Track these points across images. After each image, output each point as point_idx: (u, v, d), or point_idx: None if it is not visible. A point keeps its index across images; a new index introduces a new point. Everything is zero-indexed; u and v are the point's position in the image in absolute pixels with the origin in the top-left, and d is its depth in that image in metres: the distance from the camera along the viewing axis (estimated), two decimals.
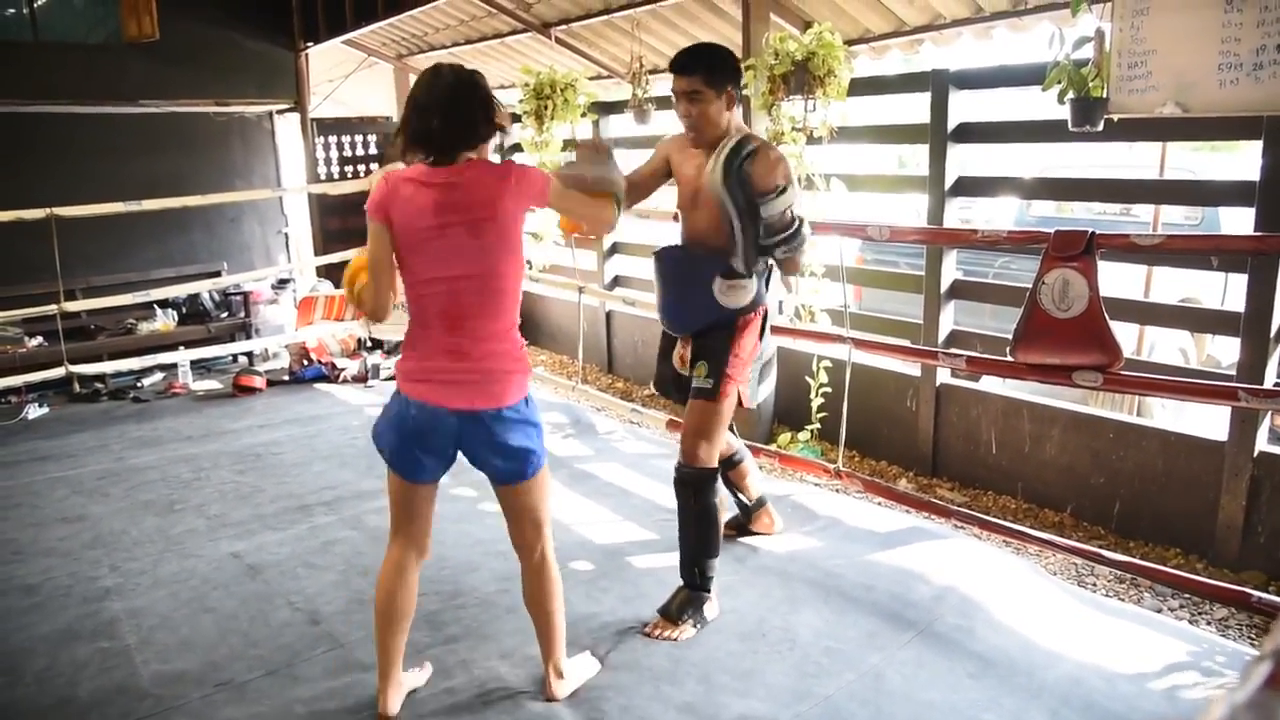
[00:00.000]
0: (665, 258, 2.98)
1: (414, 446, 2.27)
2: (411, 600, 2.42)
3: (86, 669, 2.71)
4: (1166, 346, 5.10)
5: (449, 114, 2.16)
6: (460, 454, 2.33)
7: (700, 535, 2.83)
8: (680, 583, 2.88)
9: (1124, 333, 4.23)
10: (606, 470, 4.27)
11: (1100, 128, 3.29)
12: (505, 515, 2.41)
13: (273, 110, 7.70)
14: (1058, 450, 3.97)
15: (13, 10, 6.54)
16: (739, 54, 4.73)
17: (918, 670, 2.60)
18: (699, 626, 2.79)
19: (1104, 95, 3.27)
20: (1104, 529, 3.80)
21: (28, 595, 3.19)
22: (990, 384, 4.28)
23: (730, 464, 3.28)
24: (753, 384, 2.95)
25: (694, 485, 2.81)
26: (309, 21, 7.48)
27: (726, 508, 3.21)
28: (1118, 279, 4.42)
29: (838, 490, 4.08)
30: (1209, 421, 3.72)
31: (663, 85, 6.38)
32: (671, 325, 3.01)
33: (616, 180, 2.39)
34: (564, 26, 6.30)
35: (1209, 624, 3.09)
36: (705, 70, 2.70)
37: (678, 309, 2.96)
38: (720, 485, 2.90)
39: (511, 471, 2.29)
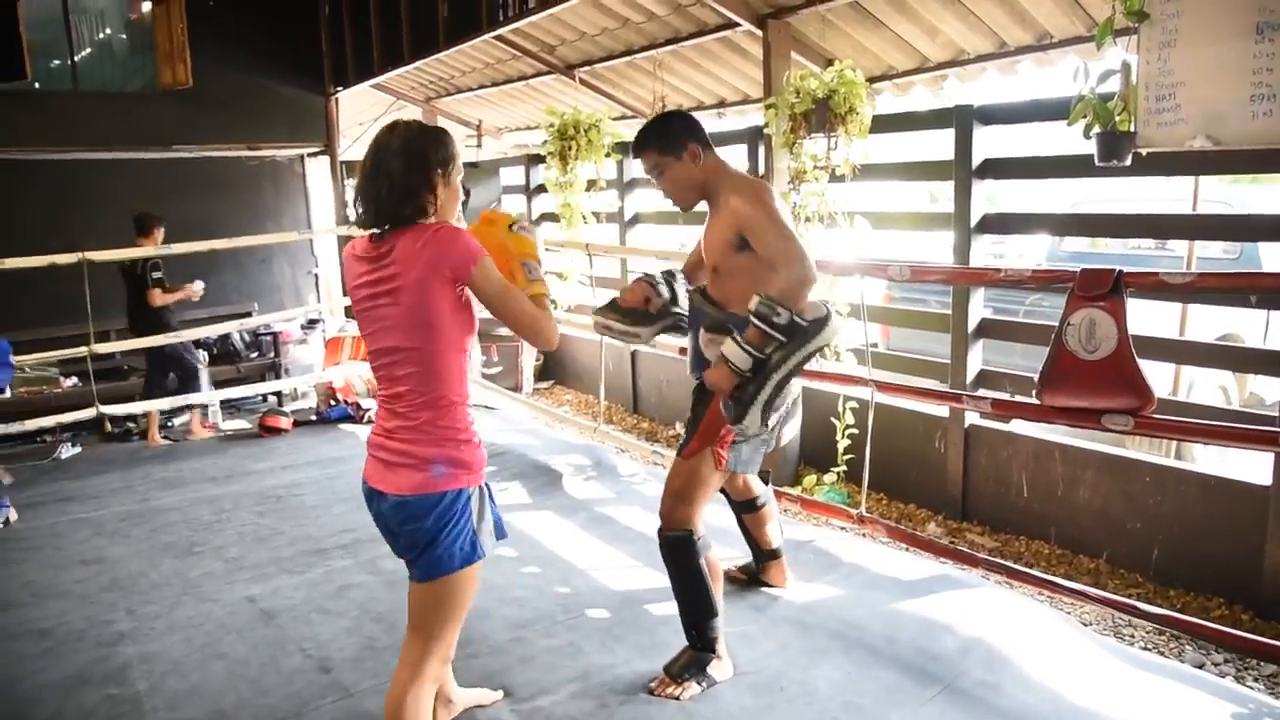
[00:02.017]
0: (691, 308, 2.94)
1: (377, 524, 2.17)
2: None
3: (93, 717, 2.68)
4: (1206, 384, 4.93)
5: (379, 181, 2.00)
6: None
7: (692, 598, 2.71)
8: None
9: (1159, 370, 4.11)
10: (626, 514, 4.20)
11: (1128, 162, 3.21)
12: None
13: (303, 153, 7.84)
14: (1091, 493, 3.83)
15: (57, 62, 6.75)
16: (760, 92, 4.73)
17: None
18: (704, 686, 2.68)
19: (1131, 129, 3.19)
20: (1141, 576, 3.65)
21: (41, 640, 3.18)
22: (1021, 425, 4.16)
23: (750, 507, 3.19)
24: (736, 449, 2.69)
25: (670, 548, 2.71)
26: (338, 66, 7.63)
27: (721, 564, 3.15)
28: (1152, 315, 4.30)
29: (862, 535, 3.98)
30: (1254, 463, 3.57)
31: None
32: (695, 371, 2.91)
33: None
34: (587, 68, 6.35)
35: (1256, 681, 2.94)
36: (655, 145, 2.71)
37: (696, 358, 2.88)
38: (702, 545, 2.70)
39: (420, 559, 2.05)
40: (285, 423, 5.99)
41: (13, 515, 4.43)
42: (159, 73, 6.52)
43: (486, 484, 2.13)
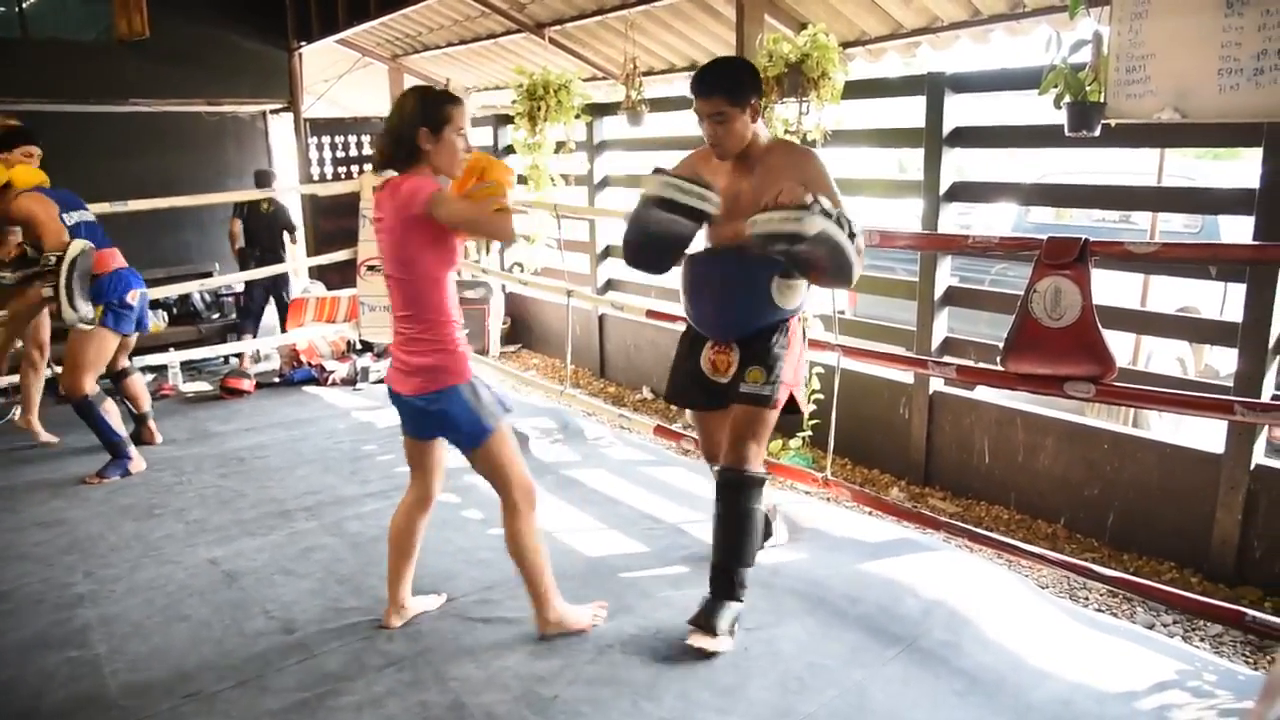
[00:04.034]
0: (711, 261, 2.86)
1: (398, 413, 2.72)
2: (412, 541, 2.81)
3: (54, 679, 2.65)
4: (1164, 356, 5.03)
5: (384, 132, 2.56)
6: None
7: (740, 540, 2.74)
8: (709, 592, 2.77)
9: (1120, 341, 4.18)
10: (593, 477, 4.21)
11: (1097, 133, 3.23)
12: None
13: (266, 110, 7.67)
14: (1052, 460, 3.90)
15: (3, 8, 6.50)
16: (732, 55, 4.68)
17: (903, 687, 2.53)
18: (735, 635, 2.72)
19: (1101, 100, 3.21)
20: (1098, 541, 3.73)
21: None
22: (984, 392, 4.22)
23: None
24: (803, 388, 2.85)
25: (740, 488, 2.73)
26: (302, 20, 7.43)
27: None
28: (1114, 287, 4.36)
29: (827, 499, 4.02)
30: (1206, 432, 3.66)
31: (656, 88, 6.34)
32: (717, 330, 2.88)
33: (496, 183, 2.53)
34: (558, 27, 6.25)
35: (1202, 641, 3.03)
36: (727, 90, 2.66)
37: (725, 313, 2.83)
38: (767, 494, 2.82)
39: (456, 441, 2.64)
40: (247, 385, 5.90)
41: None
42: (115, 22, 6.30)
43: (475, 379, 2.60)
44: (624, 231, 2.85)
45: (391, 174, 2.55)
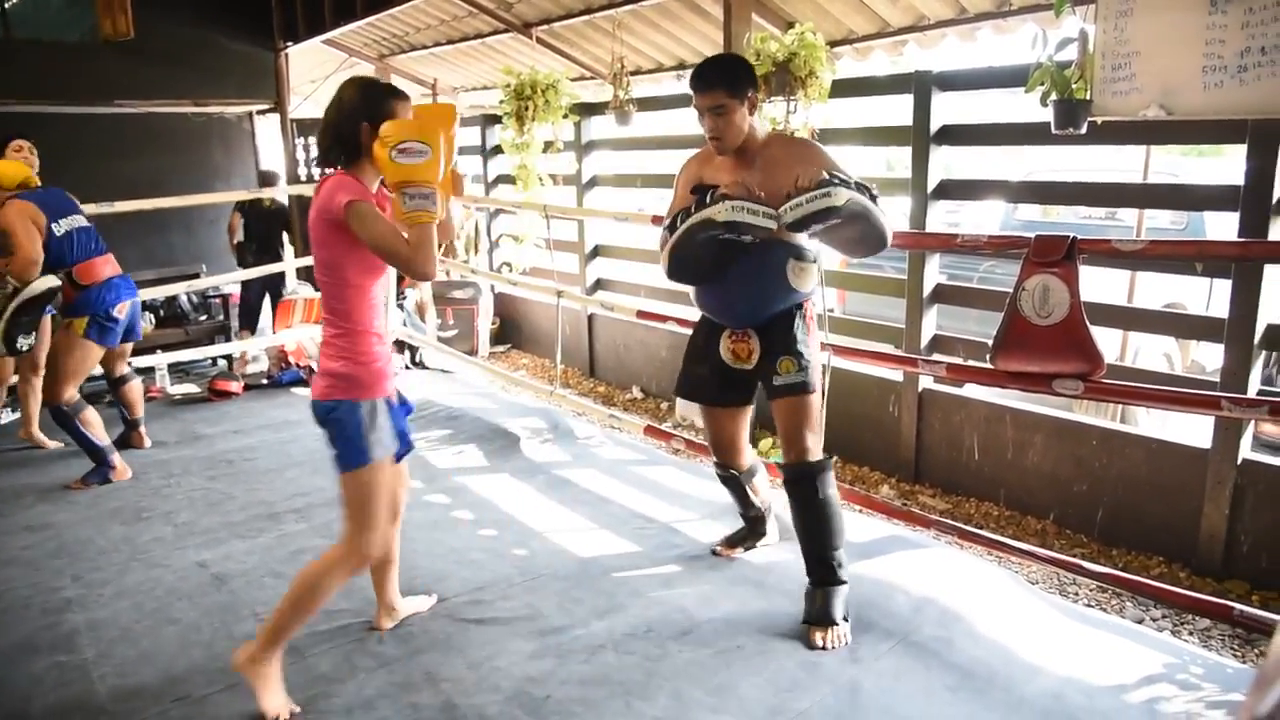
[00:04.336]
0: (725, 251, 2.76)
1: None
2: (389, 549, 2.73)
3: (41, 684, 2.63)
4: (1151, 352, 5.06)
5: (323, 126, 2.39)
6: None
7: (829, 527, 2.78)
8: (810, 585, 2.82)
9: (1107, 338, 4.20)
10: (584, 477, 4.20)
11: (1083, 130, 3.25)
12: None
13: (252, 111, 7.62)
14: (1040, 457, 3.92)
15: None
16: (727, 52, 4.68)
17: (895, 683, 2.53)
18: (850, 618, 2.77)
19: (1087, 97, 3.23)
20: (1086, 537, 3.75)
21: None
22: (974, 390, 4.24)
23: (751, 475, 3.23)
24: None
25: (811, 479, 2.76)
26: (288, 21, 7.39)
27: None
28: (1102, 284, 4.38)
29: None
30: (1193, 428, 3.68)
31: (644, 87, 6.34)
32: (736, 318, 2.88)
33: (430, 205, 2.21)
34: (545, 26, 6.24)
35: (1191, 635, 3.05)
36: (727, 83, 2.71)
37: (744, 300, 2.82)
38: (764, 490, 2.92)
39: (335, 458, 2.41)
40: (235, 386, 5.87)
41: None
42: (99, 22, 6.25)
43: (389, 402, 2.45)
44: (675, 248, 2.76)
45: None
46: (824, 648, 2.68)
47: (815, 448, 2.80)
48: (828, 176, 2.54)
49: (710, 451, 3.22)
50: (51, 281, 4.05)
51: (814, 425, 2.82)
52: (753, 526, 3.35)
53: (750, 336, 2.87)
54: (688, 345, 3.11)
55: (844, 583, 2.80)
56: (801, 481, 2.78)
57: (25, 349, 4.12)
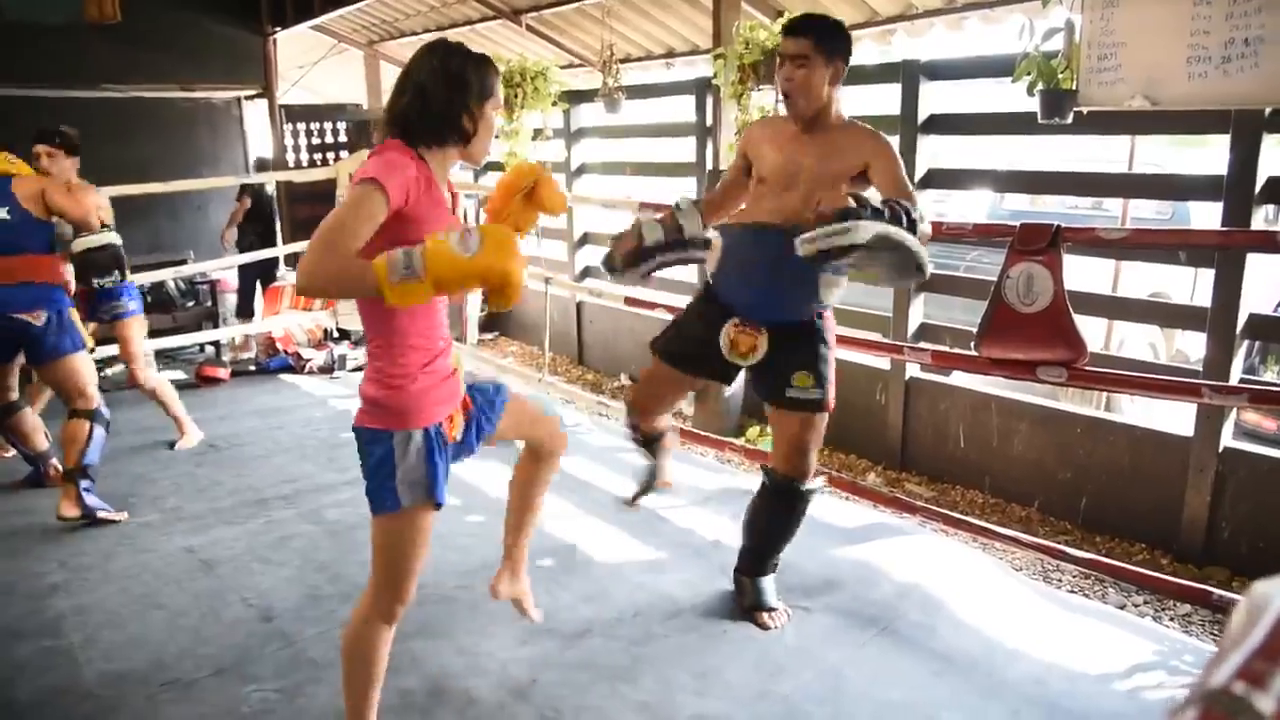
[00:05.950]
0: (764, 238, 2.60)
1: None
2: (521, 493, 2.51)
3: (26, 670, 2.63)
4: (1136, 341, 5.10)
5: (412, 97, 1.89)
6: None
7: (785, 535, 2.82)
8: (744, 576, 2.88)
9: (1092, 326, 4.23)
10: (571, 464, 4.21)
11: (1069, 120, 3.27)
12: None
13: (240, 96, 7.58)
14: (1025, 445, 3.95)
15: None
16: (710, 42, 4.68)
17: (879, 668, 2.56)
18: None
19: (1073, 87, 3.25)
20: (1070, 524, 3.79)
21: None
22: (960, 378, 4.26)
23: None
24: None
25: (797, 499, 2.75)
26: (276, 5, 7.35)
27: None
28: (1086, 273, 4.41)
29: None
30: (1177, 416, 3.71)
31: (633, 75, 6.32)
32: (752, 308, 2.68)
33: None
34: (535, 13, 6.23)
35: (1172, 620, 3.09)
36: (816, 35, 2.51)
37: (768, 294, 2.66)
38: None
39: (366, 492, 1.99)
40: (223, 373, 5.86)
41: None
42: (85, 6, 6.20)
43: (435, 434, 1.95)
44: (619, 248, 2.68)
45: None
46: (776, 627, 2.75)
47: (812, 468, 2.77)
48: (854, 205, 2.15)
49: (637, 407, 3.03)
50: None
51: (818, 444, 2.77)
52: (654, 475, 3.24)
53: (760, 332, 2.66)
54: (685, 311, 2.92)
55: (772, 573, 2.86)
56: (787, 496, 2.76)
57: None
